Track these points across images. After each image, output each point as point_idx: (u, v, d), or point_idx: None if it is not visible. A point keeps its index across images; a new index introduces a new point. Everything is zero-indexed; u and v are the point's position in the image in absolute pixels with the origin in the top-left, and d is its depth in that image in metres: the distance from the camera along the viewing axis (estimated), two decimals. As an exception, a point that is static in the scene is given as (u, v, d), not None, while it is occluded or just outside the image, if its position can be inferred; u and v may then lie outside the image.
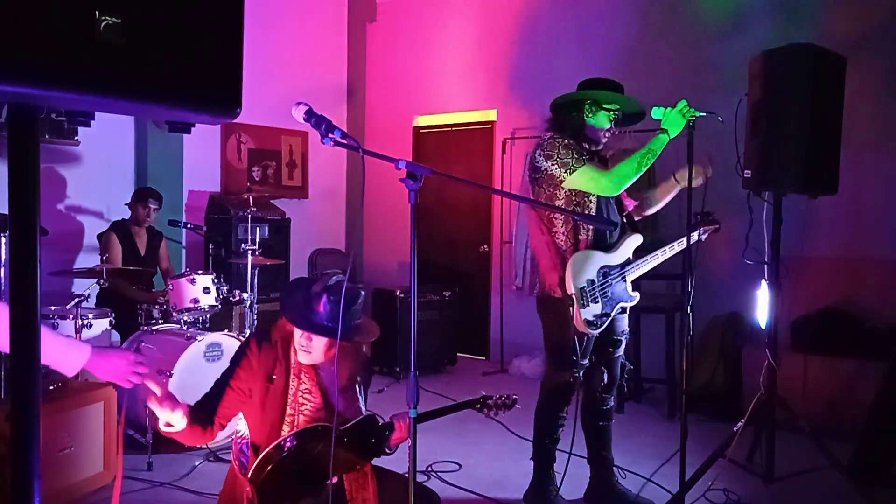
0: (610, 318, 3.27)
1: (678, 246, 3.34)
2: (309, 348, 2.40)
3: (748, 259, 3.38)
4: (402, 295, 6.05)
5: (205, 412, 2.37)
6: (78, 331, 3.99)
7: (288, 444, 2.33)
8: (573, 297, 3.17)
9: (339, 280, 2.40)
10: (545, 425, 3.46)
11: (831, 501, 3.51)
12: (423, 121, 7.32)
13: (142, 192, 5.28)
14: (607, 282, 3.28)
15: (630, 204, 3.59)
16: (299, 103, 2.12)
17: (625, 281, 3.34)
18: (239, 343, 4.21)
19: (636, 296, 3.39)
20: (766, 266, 3.41)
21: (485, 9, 6.83)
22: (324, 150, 6.62)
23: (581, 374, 3.29)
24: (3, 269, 3.55)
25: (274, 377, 2.41)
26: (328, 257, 7.34)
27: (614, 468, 3.54)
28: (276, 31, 6.81)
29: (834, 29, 4.92)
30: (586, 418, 3.49)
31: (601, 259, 3.28)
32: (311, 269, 7.24)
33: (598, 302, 3.23)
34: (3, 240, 3.49)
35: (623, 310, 3.38)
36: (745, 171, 3.29)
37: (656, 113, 3.16)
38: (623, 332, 3.44)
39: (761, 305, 3.47)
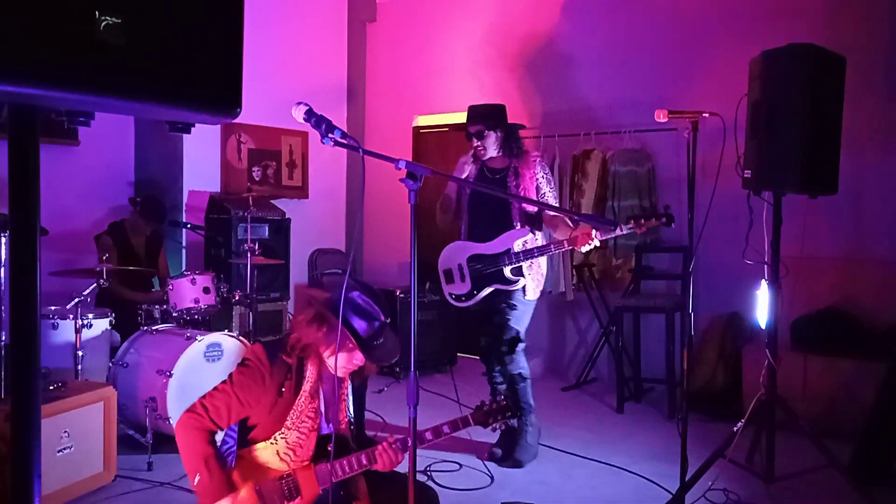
0: (479, 296, 3.92)
1: (553, 248, 3.81)
2: (352, 368, 2.45)
3: (748, 259, 3.38)
4: (402, 295, 6.05)
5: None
6: (78, 331, 3.99)
7: None
8: (442, 275, 4.04)
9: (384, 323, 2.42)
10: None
11: (831, 501, 3.51)
12: (423, 121, 7.32)
13: (150, 209, 5.19)
14: (476, 266, 3.91)
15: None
16: (299, 103, 2.12)
17: (501, 266, 3.85)
18: (238, 343, 4.23)
19: (516, 279, 3.89)
20: (766, 266, 3.41)
21: (485, 9, 6.83)
22: (324, 150, 6.63)
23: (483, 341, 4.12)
24: (3, 269, 3.54)
25: (283, 391, 2.38)
26: (328, 257, 7.33)
27: (522, 422, 4.03)
28: (276, 31, 6.81)
29: (834, 29, 4.92)
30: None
31: (472, 248, 3.95)
32: (311, 269, 7.24)
33: (464, 281, 3.95)
34: (4, 240, 3.49)
35: (498, 289, 3.90)
36: (745, 171, 3.29)
37: (658, 115, 3.15)
38: (503, 305, 3.95)
39: (761, 305, 3.47)
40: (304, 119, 2.11)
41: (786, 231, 3.41)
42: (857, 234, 5.03)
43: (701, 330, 5.32)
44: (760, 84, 3.28)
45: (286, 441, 2.37)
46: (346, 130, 2.31)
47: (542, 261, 4.02)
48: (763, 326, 3.49)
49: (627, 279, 5.72)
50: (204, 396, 2.37)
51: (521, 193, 3.91)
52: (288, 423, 2.36)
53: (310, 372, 2.40)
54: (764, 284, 3.44)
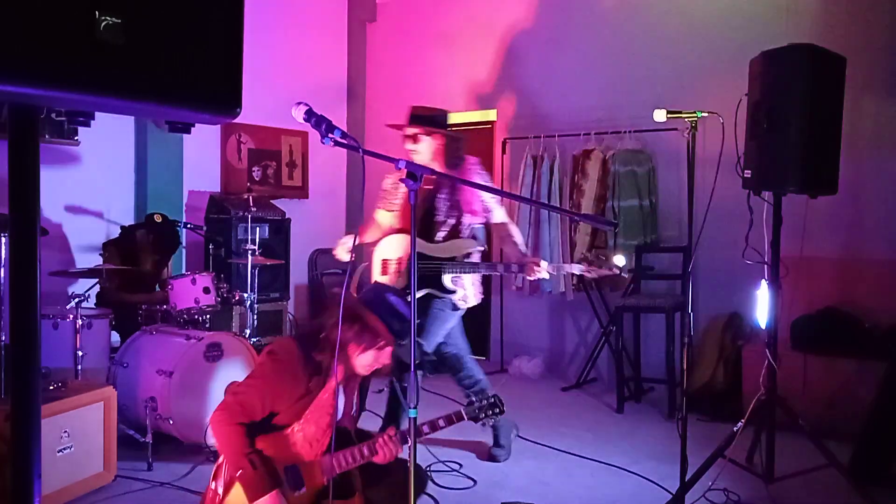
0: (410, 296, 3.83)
1: (502, 269, 3.78)
2: (378, 367, 2.50)
3: (748, 259, 3.38)
4: (402, 295, 6.04)
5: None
6: (78, 331, 3.99)
7: None
8: (378, 264, 3.85)
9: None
10: None
11: (831, 501, 3.51)
12: (423, 121, 7.31)
13: (161, 242, 5.12)
14: (416, 265, 3.76)
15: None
16: (299, 103, 2.12)
17: (441, 273, 3.68)
18: (239, 343, 4.22)
19: (454, 289, 3.74)
20: (766, 266, 3.41)
21: (485, 9, 6.83)
22: (324, 150, 6.62)
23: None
24: (3, 269, 3.54)
25: (310, 386, 2.42)
26: (328, 257, 7.32)
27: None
28: (276, 31, 6.81)
29: (834, 29, 4.92)
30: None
31: (418, 245, 3.68)
32: (311, 269, 7.24)
33: (401, 276, 3.75)
34: (4, 240, 3.49)
35: (431, 293, 3.73)
36: (745, 171, 3.29)
37: (658, 115, 3.16)
38: (431, 310, 3.76)
39: (761, 305, 3.47)
40: (304, 119, 2.11)
41: (786, 231, 3.40)
42: (857, 234, 5.03)
43: (701, 330, 5.32)
44: (760, 84, 3.28)
45: (304, 434, 2.41)
46: (346, 130, 2.30)
47: (477, 276, 3.91)
48: (763, 326, 3.48)
49: (627, 279, 5.72)
50: (235, 391, 2.40)
51: (463, 206, 3.75)
52: (308, 416, 2.40)
53: (337, 370, 2.43)
54: (764, 284, 3.44)
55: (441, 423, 2.55)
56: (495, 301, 6.73)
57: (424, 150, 3.81)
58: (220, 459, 2.45)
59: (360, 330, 2.43)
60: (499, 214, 3.86)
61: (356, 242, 3.78)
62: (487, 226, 3.93)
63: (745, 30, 5.30)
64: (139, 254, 5.17)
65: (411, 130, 3.83)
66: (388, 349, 2.45)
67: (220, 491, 2.40)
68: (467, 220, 3.79)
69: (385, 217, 3.97)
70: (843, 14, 5.03)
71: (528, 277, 3.60)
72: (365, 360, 2.48)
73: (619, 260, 3.40)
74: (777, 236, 3.37)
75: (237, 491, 2.34)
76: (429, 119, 3.86)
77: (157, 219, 5.25)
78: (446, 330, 3.87)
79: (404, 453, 2.29)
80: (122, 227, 5.36)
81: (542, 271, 3.52)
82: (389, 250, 3.84)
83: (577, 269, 3.52)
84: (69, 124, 5.41)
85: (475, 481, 3.77)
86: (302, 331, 2.56)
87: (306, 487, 2.41)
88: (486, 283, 6.87)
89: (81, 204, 5.61)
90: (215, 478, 2.46)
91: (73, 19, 0.91)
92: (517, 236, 3.85)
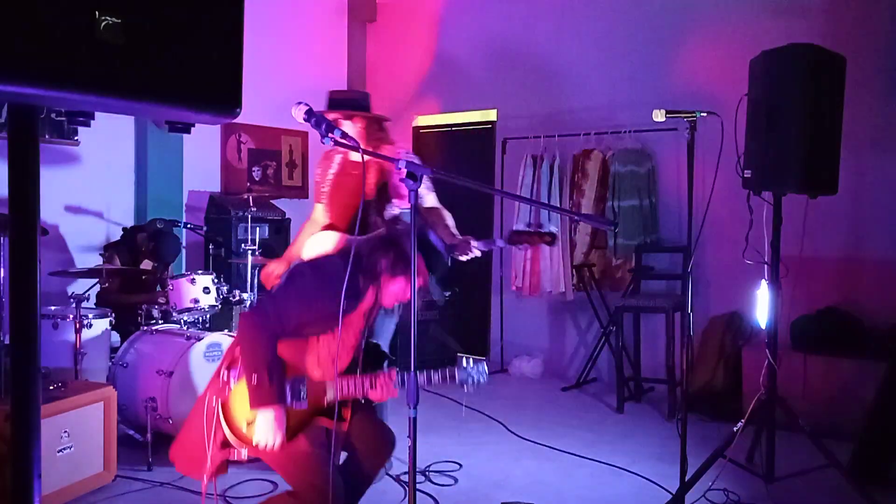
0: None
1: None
2: (403, 299, 2.58)
3: (748, 259, 3.38)
4: (402, 295, 6.04)
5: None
6: (78, 331, 3.99)
7: None
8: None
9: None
10: None
11: (831, 501, 3.51)
12: (423, 121, 7.31)
13: (160, 251, 5.01)
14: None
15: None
16: (299, 103, 2.12)
17: None
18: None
19: None
20: (766, 266, 3.41)
21: (484, 9, 6.83)
22: (324, 149, 6.61)
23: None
24: (3, 270, 3.54)
25: (343, 304, 2.45)
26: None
27: None
28: (277, 32, 6.81)
29: (834, 29, 4.92)
30: None
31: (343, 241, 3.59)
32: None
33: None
34: (4, 240, 3.49)
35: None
36: (745, 171, 3.29)
37: (657, 115, 3.15)
38: None
39: (761, 305, 3.47)
40: (304, 119, 2.11)
41: (786, 231, 3.40)
42: (857, 234, 5.03)
43: (701, 330, 5.32)
44: (760, 84, 3.28)
45: (328, 349, 2.46)
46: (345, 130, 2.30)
47: None
48: (763, 326, 3.48)
49: (627, 279, 5.72)
50: (274, 297, 2.47)
51: (391, 192, 3.57)
52: (336, 332, 2.44)
53: (369, 294, 2.51)
54: (764, 284, 3.44)
55: (436, 377, 2.57)
56: (495, 301, 6.73)
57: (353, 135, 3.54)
58: (237, 352, 2.50)
59: (396, 258, 2.48)
60: (430, 199, 3.71)
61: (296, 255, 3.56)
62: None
63: (745, 30, 5.30)
64: (139, 258, 5.16)
65: (331, 116, 3.57)
66: (419, 282, 2.44)
67: (232, 383, 2.46)
68: (397, 204, 3.62)
69: (320, 212, 3.73)
70: (843, 14, 5.03)
71: (462, 258, 3.46)
72: (394, 288, 2.53)
73: (550, 228, 3.38)
74: (777, 236, 3.37)
75: (243, 389, 2.40)
76: (349, 102, 3.68)
77: (160, 225, 5.24)
78: (390, 332, 3.69)
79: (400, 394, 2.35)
80: (124, 230, 5.35)
81: (475, 251, 3.43)
82: (313, 247, 3.51)
83: (500, 242, 3.47)
84: (69, 124, 5.41)
85: (474, 482, 3.77)
86: (345, 250, 2.57)
87: (308, 403, 2.46)
88: (485, 283, 6.88)
89: (81, 204, 5.60)
90: (229, 367, 2.50)
91: (72, 19, 0.91)
92: (449, 219, 3.67)
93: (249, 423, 2.43)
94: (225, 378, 2.48)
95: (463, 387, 2.61)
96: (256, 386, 2.34)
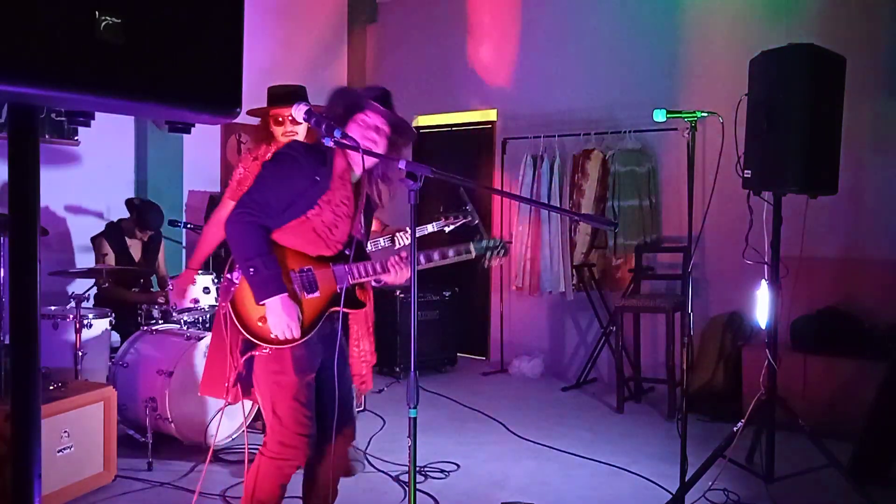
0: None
1: (384, 241, 3.65)
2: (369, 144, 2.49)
3: (748, 259, 3.38)
4: (402, 295, 6.05)
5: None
6: (78, 331, 3.99)
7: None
8: None
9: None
10: None
11: (831, 501, 3.51)
12: (423, 121, 7.31)
13: (145, 220, 5.04)
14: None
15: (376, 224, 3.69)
16: (299, 103, 2.12)
17: None
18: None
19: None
20: (766, 266, 3.41)
21: (485, 8, 6.83)
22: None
23: None
24: (3, 270, 3.54)
25: (317, 178, 2.46)
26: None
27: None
28: (277, 32, 6.81)
29: (834, 29, 4.92)
30: None
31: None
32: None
33: None
34: (4, 240, 3.49)
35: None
36: (745, 171, 3.29)
37: (657, 115, 3.16)
38: None
39: (761, 305, 3.47)
40: (304, 119, 2.11)
41: (786, 231, 3.40)
42: (857, 234, 5.03)
43: (701, 330, 5.32)
44: (760, 84, 3.28)
45: (322, 220, 2.43)
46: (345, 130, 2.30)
47: None
48: (763, 326, 3.49)
49: (627, 279, 5.72)
50: (249, 192, 2.45)
51: None
52: (322, 202, 2.43)
53: (337, 161, 2.47)
54: (764, 284, 3.44)
55: (450, 252, 2.51)
56: (495, 301, 6.73)
57: (301, 130, 3.48)
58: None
59: (345, 109, 2.43)
60: None
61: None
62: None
63: (745, 30, 5.30)
64: (127, 237, 5.12)
65: (285, 113, 3.43)
66: (375, 116, 2.43)
67: (237, 281, 2.44)
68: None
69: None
70: (843, 14, 5.03)
71: (396, 247, 3.49)
72: (356, 134, 2.42)
73: (469, 214, 3.42)
74: (777, 236, 3.37)
75: (247, 288, 2.38)
76: (294, 96, 3.42)
77: (136, 202, 5.23)
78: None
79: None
80: (108, 223, 5.29)
81: (406, 237, 3.45)
82: None
83: (430, 227, 3.53)
84: (69, 124, 5.41)
85: (474, 482, 3.77)
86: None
87: (321, 292, 2.44)
88: (485, 283, 6.88)
89: (81, 204, 5.60)
90: (231, 270, 2.48)
91: (72, 19, 0.91)
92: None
93: (261, 320, 2.38)
94: (230, 277, 2.45)
95: (482, 260, 2.51)
96: (254, 277, 2.32)
